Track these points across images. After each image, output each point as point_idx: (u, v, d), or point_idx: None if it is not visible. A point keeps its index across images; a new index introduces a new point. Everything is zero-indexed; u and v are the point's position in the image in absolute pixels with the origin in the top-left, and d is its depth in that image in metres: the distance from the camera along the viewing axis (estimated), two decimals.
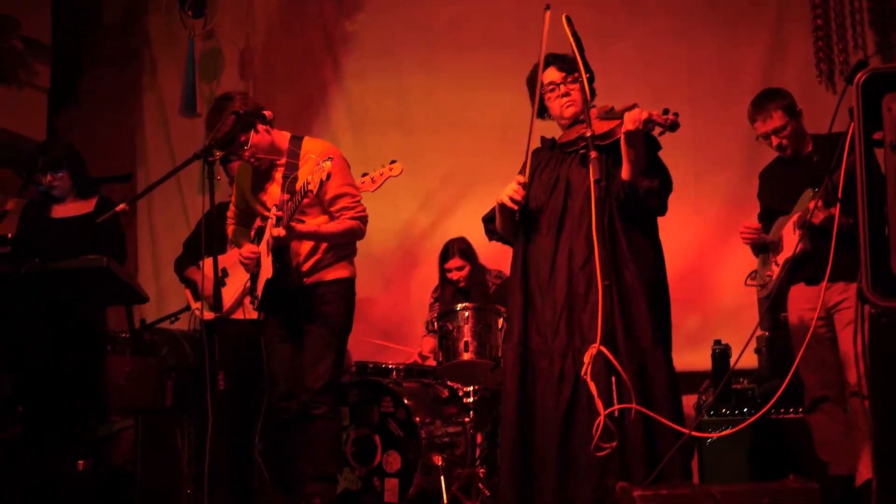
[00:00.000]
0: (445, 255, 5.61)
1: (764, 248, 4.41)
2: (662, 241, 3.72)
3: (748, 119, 4.38)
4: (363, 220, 4.06)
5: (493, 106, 6.05)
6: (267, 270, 3.91)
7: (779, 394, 3.04)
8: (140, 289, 4.38)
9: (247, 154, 3.95)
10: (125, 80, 7.63)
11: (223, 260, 4.97)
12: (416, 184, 6.35)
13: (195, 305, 5.15)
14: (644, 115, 3.28)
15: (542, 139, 3.84)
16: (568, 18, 3.30)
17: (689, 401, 5.24)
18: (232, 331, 4.77)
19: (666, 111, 3.29)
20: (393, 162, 4.72)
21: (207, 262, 4.93)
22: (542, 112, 3.77)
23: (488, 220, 3.82)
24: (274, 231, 3.76)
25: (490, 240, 3.87)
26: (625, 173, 3.45)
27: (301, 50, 7.08)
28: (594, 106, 3.58)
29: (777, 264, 4.24)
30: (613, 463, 3.01)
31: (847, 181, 2.65)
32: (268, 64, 7.15)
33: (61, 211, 4.71)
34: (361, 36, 6.90)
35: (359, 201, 4.06)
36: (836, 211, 2.98)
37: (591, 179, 3.02)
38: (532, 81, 3.75)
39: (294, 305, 4.04)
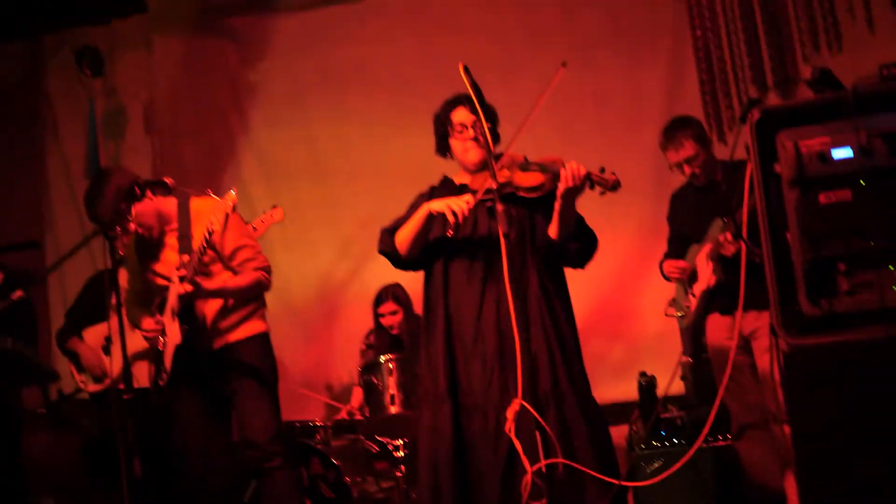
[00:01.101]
0: (379, 299, 5.52)
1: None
2: (582, 272, 3.73)
3: (660, 148, 4.40)
4: (267, 269, 3.98)
5: (407, 149, 5.99)
6: (175, 336, 3.80)
7: (707, 428, 3.06)
8: (49, 367, 4.23)
9: (132, 225, 3.86)
10: (26, 143, 7.38)
11: (106, 329, 4.85)
12: (334, 232, 6.29)
13: (79, 378, 5.01)
14: (583, 171, 3.26)
15: (446, 179, 3.78)
16: (466, 68, 3.26)
17: (620, 431, 5.25)
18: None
19: (603, 170, 3.28)
20: (274, 207, 4.65)
21: (90, 332, 4.86)
22: (445, 151, 3.70)
23: (390, 232, 3.61)
24: (180, 289, 3.68)
25: (380, 251, 3.65)
26: (553, 232, 3.42)
27: (206, 102, 6.96)
28: (501, 154, 3.54)
29: (694, 295, 4.29)
30: None
31: (751, 217, 2.69)
32: (173, 118, 6.99)
33: None
34: (266, 85, 6.79)
35: (259, 252, 4.00)
36: (743, 247, 3.01)
37: (500, 232, 2.99)
38: (439, 119, 3.69)
39: (208, 372, 3.94)
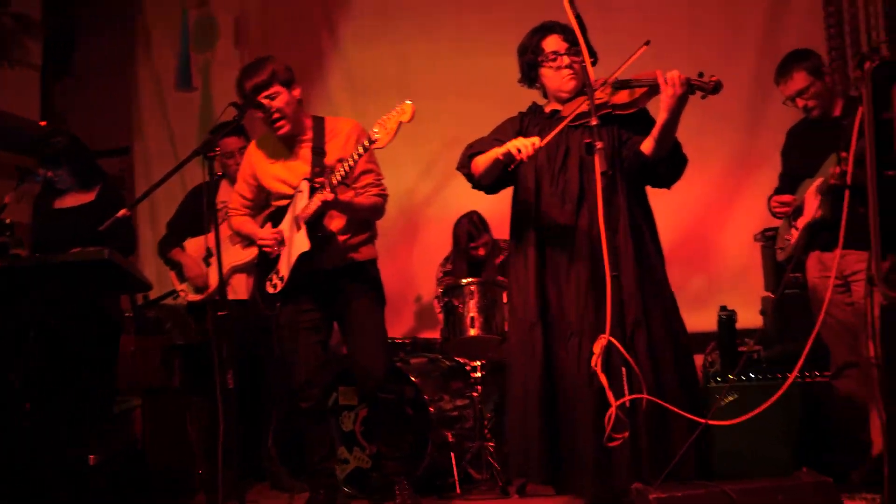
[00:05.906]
0: (471, 235, 5.49)
1: None
2: (666, 200, 3.75)
3: (774, 82, 4.27)
4: (385, 198, 4.10)
5: (496, 70, 5.88)
6: (302, 245, 3.84)
7: (800, 363, 3.01)
8: (143, 277, 4.33)
9: (270, 104, 3.94)
10: (119, 52, 7.46)
11: (207, 241, 4.94)
12: (418, 151, 6.25)
13: (180, 287, 5.14)
14: (683, 76, 3.20)
15: (535, 106, 3.77)
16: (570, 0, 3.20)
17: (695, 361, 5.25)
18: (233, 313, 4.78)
19: (701, 74, 3.22)
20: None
21: (191, 243, 4.98)
22: (532, 80, 3.70)
23: (469, 156, 3.71)
24: (320, 196, 3.75)
25: (457, 169, 3.79)
26: (648, 148, 3.37)
27: (297, 16, 6.93)
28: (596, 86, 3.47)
29: (796, 228, 4.15)
30: (625, 456, 2.99)
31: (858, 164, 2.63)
32: (263, 31, 6.98)
33: (63, 202, 4.66)
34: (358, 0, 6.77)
35: (381, 179, 4.10)
36: (846, 196, 2.93)
37: (598, 171, 2.95)
38: (527, 47, 3.68)
39: (330, 287, 4.00)
